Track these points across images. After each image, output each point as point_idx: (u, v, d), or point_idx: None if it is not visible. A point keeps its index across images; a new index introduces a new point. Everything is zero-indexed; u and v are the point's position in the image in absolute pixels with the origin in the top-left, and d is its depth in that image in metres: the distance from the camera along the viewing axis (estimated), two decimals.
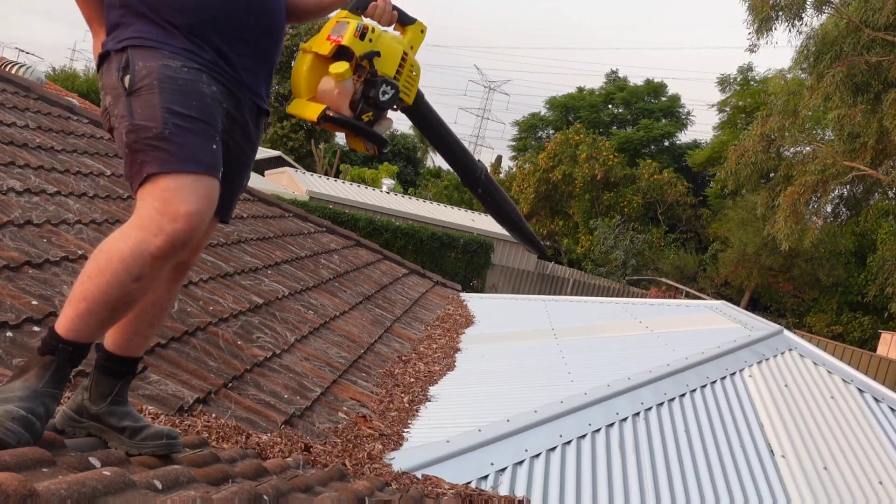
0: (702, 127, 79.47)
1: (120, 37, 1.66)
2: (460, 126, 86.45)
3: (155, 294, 1.78)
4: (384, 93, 1.70)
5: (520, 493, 3.01)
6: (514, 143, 43.08)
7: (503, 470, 3.16)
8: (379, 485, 2.43)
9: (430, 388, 4.22)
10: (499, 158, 47.11)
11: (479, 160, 2.03)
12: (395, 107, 1.79)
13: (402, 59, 1.75)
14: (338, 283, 5.81)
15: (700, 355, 4.72)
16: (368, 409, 3.51)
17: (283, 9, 1.79)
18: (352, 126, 1.71)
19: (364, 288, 6.08)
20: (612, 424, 3.72)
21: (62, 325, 1.59)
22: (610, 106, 39.54)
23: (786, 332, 5.54)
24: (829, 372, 4.99)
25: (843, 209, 24.84)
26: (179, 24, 1.65)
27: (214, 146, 1.62)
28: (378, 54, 1.69)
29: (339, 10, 1.80)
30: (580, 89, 40.42)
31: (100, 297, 1.55)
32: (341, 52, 1.70)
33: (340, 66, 1.67)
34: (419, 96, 1.84)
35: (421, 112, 1.86)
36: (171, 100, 1.58)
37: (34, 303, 2.63)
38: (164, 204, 1.53)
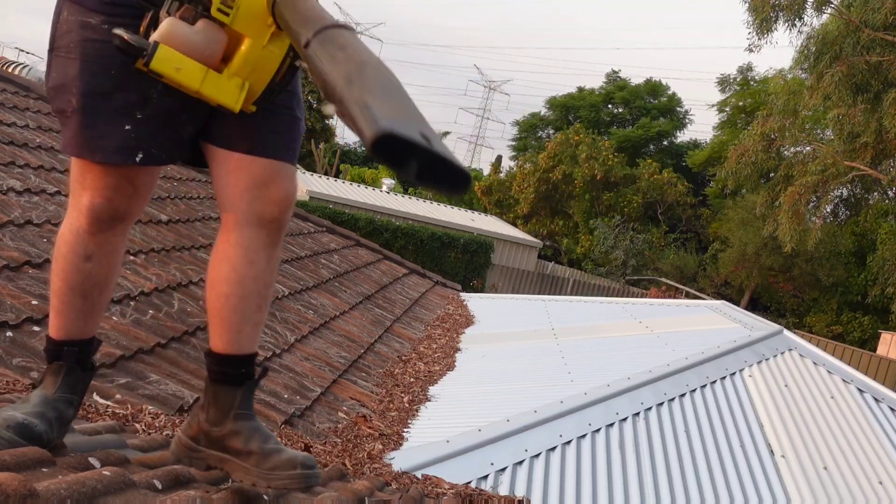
0: (702, 127, 79.19)
1: None
2: (460, 126, 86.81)
3: (254, 269, 1.54)
4: None
5: (520, 493, 3.01)
6: (514, 143, 43.14)
7: (503, 470, 3.16)
8: (379, 485, 2.43)
9: (430, 388, 4.22)
10: (499, 158, 47.01)
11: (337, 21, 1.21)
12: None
13: None
14: (338, 282, 5.81)
15: (700, 355, 4.72)
16: (368, 409, 3.50)
17: None
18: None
19: (364, 288, 6.08)
20: (612, 424, 3.72)
21: (51, 328, 1.60)
22: (610, 106, 39.55)
23: (786, 332, 5.54)
24: (829, 372, 4.99)
25: (843, 209, 24.87)
26: None
27: (129, 126, 1.43)
28: None
29: None
30: (580, 89, 40.42)
31: (64, 286, 1.56)
32: None
33: None
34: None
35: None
36: (86, 69, 1.40)
37: (34, 303, 2.63)
38: (79, 184, 1.54)
